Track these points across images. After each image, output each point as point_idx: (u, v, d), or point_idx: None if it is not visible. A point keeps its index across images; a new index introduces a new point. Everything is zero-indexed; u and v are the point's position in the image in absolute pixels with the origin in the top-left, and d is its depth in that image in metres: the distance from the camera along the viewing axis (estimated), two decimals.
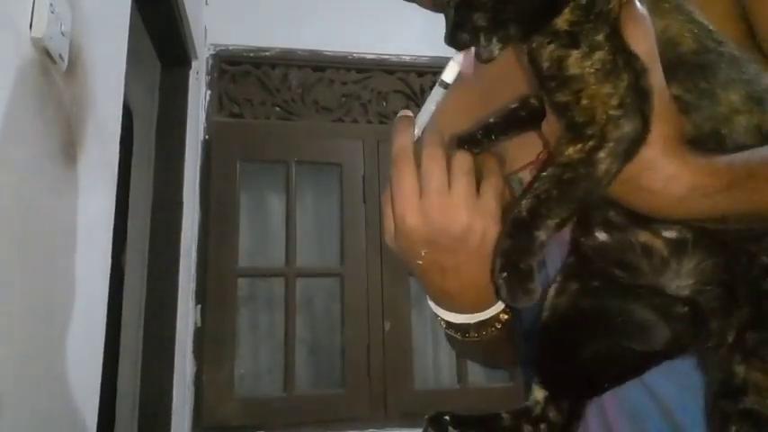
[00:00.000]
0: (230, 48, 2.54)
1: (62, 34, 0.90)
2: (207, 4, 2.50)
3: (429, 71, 2.66)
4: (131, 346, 2.06)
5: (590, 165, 0.48)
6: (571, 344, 0.56)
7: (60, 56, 0.90)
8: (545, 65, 0.50)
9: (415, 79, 2.67)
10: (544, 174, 0.50)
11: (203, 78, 2.46)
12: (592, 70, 0.48)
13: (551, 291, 0.58)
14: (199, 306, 2.28)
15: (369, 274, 2.41)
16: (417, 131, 0.57)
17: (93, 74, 1.05)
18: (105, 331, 1.12)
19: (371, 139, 2.53)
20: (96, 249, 1.10)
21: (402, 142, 0.56)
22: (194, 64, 2.27)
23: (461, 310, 0.61)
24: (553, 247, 0.62)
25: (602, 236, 0.55)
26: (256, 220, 2.53)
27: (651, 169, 0.48)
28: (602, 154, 0.48)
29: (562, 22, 0.50)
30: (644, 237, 0.53)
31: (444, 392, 2.48)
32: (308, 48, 2.58)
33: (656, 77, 0.49)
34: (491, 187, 0.56)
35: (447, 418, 0.55)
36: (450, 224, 0.55)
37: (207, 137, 2.44)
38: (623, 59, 0.48)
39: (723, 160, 0.49)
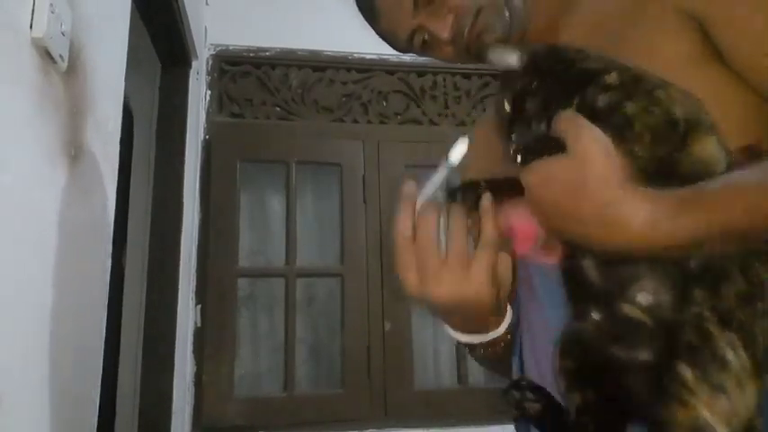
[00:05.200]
0: (230, 48, 2.54)
1: (62, 34, 0.90)
2: (207, 4, 2.50)
3: (429, 71, 2.66)
4: (131, 346, 2.06)
5: None
6: None
7: (60, 56, 0.90)
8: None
9: (415, 79, 2.67)
10: None
11: (203, 78, 2.47)
12: None
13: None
14: (199, 306, 2.28)
15: (369, 274, 2.41)
16: (419, 204, 0.67)
17: (93, 74, 1.05)
18: (105, 331, 1.12)
19: (372, 139, 2.53)
20: (96, 249, 1.10)
21: (401, 227, 0.66)
22: (194, 64, 2.27)
23: (466, 333, 0.73)
24: (541, 277, 0.69)
25: (596, 316, 0.58)
26: (256, 220, 2.53)
27: (610, 204, 0.52)
28: None
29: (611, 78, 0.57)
30: (627, 309, 0.55)
31: (444, 392, 2.48)
32: (308, 48, 2.58)
33: (590, 137, 0.54)
34: (482, 260, 0.65)
35: (524, 383, 0.62)
36: (444, 298, 0.66)
37: (207, 137, 2.44)
38: None
39: (666, 190, 0.52)
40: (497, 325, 0.72)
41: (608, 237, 0.53)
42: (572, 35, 0.74)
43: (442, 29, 0.78)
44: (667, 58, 0.62)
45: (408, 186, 0.68)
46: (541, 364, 0.69)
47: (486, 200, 0.66)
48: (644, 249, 0.53)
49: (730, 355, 0.50)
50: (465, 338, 0.73)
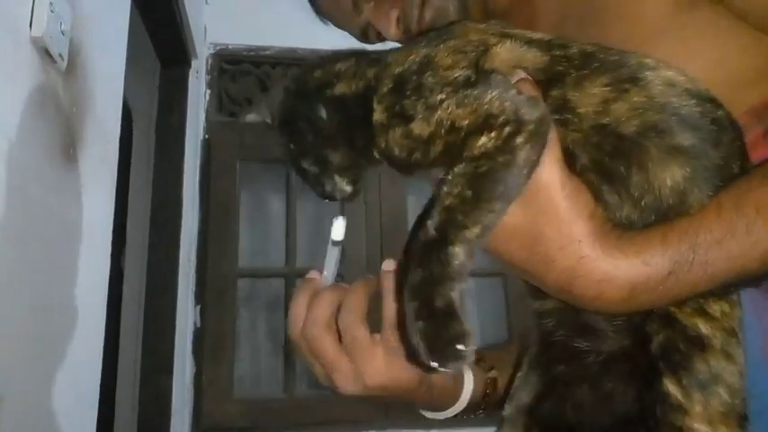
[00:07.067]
0: (230, 47, 2.53)
1: (62, 33, 0.89)
2: (207, 3, 2.49)
3: None
4: (130, 347, 2.05)
5: (508, 152, 0.42)
6: None
7: (60, 55, 0.90)
8: (404, 145, 0.49)
9: None
10: (450, 177, 0.44)
11: (203, 77, 2.46)
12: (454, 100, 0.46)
13: (516, 381, 0.55)
14: (198, 306, 2.27)
15: (369, 275, 2.40)
16: (324, 281, 0.64)
17: (92, 73, 1.05)
18: (104, 332, 1.12)
19: None
20: (95, 249, 1.09)
21: (292, 319, 0.64)
22: (194, 63, 2.26)
23: (427, 410, 0.65)
24: None
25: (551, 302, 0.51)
26: (256, 221, 2.53)
27: (580, 277, 0.44)
28: (520, 139, 0.42)
29: (379, 115, 0.50)
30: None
31: None
32: (308, 47, 2.57)
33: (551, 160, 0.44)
34: (379, 349, 0.58)
35: None
36: (350, 390, 0.58)
37: (207, 136, 2.44)
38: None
39: (656, 242, 0.44)
40: (455, 399, 0.63)
41: (582, 305, 0.46)
42: (548, 8, 0.66)
43: (387, 26, 0.71)
44: (653, 12, 0.56)
45: (309, 275, 0.64)
46: None
47: (388, 278, 0.58)
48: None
49: None
50: (430, 416, 0.65)
